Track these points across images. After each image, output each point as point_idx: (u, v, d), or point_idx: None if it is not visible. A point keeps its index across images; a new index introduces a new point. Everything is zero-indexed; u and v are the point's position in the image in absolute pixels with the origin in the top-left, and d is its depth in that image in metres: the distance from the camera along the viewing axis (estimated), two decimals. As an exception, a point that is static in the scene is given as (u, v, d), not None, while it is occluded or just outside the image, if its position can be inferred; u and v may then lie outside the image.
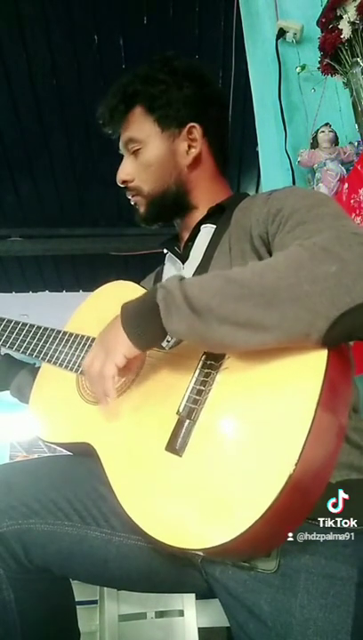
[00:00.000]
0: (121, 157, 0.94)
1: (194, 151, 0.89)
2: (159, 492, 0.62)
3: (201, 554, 0.61)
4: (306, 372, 0.57)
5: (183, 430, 0.64)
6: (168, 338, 0.77)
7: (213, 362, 0.67)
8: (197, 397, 0.65)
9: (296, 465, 0.51)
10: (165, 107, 0.88)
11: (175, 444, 0.64)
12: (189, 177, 0.90)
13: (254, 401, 0.60)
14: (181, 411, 0.66)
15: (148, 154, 0.88)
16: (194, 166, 0.90)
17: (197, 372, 0.67)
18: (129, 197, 0.93)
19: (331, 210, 0.69)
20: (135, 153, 0.90)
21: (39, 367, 1.00)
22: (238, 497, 0.55)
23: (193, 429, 0.63)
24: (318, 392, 0.54)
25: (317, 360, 0.57)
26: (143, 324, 0.65)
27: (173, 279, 0.64)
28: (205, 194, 0.91)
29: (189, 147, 0.89)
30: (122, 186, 0.93)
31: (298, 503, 0.55)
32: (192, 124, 0.89)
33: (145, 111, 0.89)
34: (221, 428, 0.61)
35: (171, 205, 0.90)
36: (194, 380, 0.67)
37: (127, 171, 0.91)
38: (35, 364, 1.02)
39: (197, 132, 0.89)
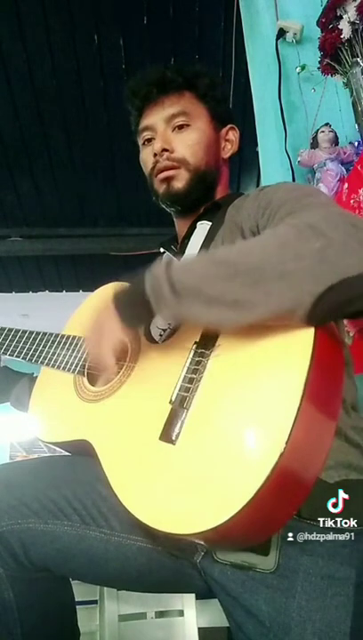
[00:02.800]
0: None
1: (231, 149, 0.96)
2: (154, 480, 0.62)
3: (198, 541, 0.60)
4: (293, 354, 0.57)
5: (176, 418, 0.64)
6: (161, 332, 0.78)
7: (204, 350, 0.67)
8: (189, 385, 0.66)
9: (287, 443, 0.52)
10: (214, 101, 0.94)
11: (169, 433, 0.64)
12: (221, 170, 0.94)
13: (245, 385, 0.61)
14: (173, 399, 0.66)
15: (199, 131, 0.90)
16: (226, 163, 0.96)
17: (189, 360, 0.68)
18: (162, 171, 0.89)
19: (320, 199, 0.70)
20: (181, 127, 0.90)
21: (37, 377, 1.01)
22: (231, 478, 0.55)
23: (186, 417, 0.64)
24: (305, 372, 0.55)
25: (304, 341, 0.57)
26: (134, 311, 0.67)
27: (160, 264, 0.64)
28: (222, 192, 0.94)
29: (225, 146, 0.95)
30: (157, 157, 0.89)
31: (290, 486, 0.55)
32: (232, 125, 0.96)
33: (196, 98, 0.92)
34: (213, 413, 0.62)
35: (208, 186, 0.91)
36: (186, 368, 0.68)
37: (169, 140, 0.89)
38: (33, 373, 1.03)
39: (235, 134, 0.96)
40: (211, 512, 0.54)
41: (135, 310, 0.66)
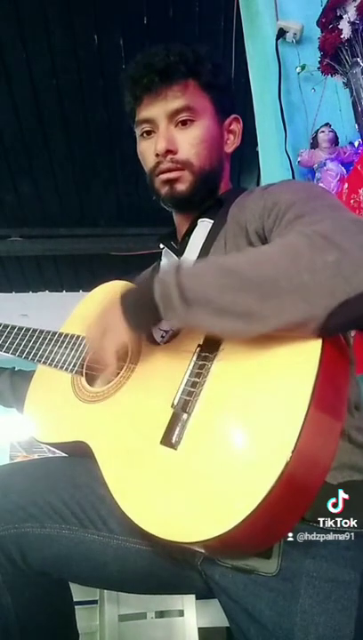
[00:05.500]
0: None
1: (234, 142, 0.91)
2: (154, 486, 0.62)
3: (200, 549, 0.60)
4: (300, 361, 0.57)
5: (178, 423, 0.63)
6: (163, 334, 0.77)
7: (207, 354, 0.66)
8: (192, 389, 0.65)
9: (292, 453, 0.51)
10: (218, 91, 0.87)
11: (170, 438, 0.63)
12: (224, 166, 0.91)
13: (249, 391, 0.60)
14: (175, 403, 0.65)
15: (203, 128, 0.84)
16: (228, 158, 0.92)
17: (192, 364, 0.67)
18: (164, 172, 0.84)
19: (328, 202, 0.69)
20: (184, 123, 0.83)
21: (19, 370, 1.00)
22: (235, 487, 0.54)
23: (188, 422, 0.63)
24: (312, 380, 0.54)
25: (311, 349, 0.57)
26: (142, 316, 0.67)
27: (170, 270, 0.63)
28: (225, 187, 0.92)
29: (228, 139, 0.90)
30: (160, 158, 0.83)
31: (295, 494, 0.55)
32: (236, 116, 0.91)
33: (200, 87, 0.85)
34: (217, 419, 0.61)
35: (211, 186, 0.88)
36: (188, 372, 0.67)
37: (172, 139, 0.83)
38: (14, 367, 1.02)
39: (238, 125, 0.91)
40: (213, 521, 0.53)
41: (142, 315, 0.66)
